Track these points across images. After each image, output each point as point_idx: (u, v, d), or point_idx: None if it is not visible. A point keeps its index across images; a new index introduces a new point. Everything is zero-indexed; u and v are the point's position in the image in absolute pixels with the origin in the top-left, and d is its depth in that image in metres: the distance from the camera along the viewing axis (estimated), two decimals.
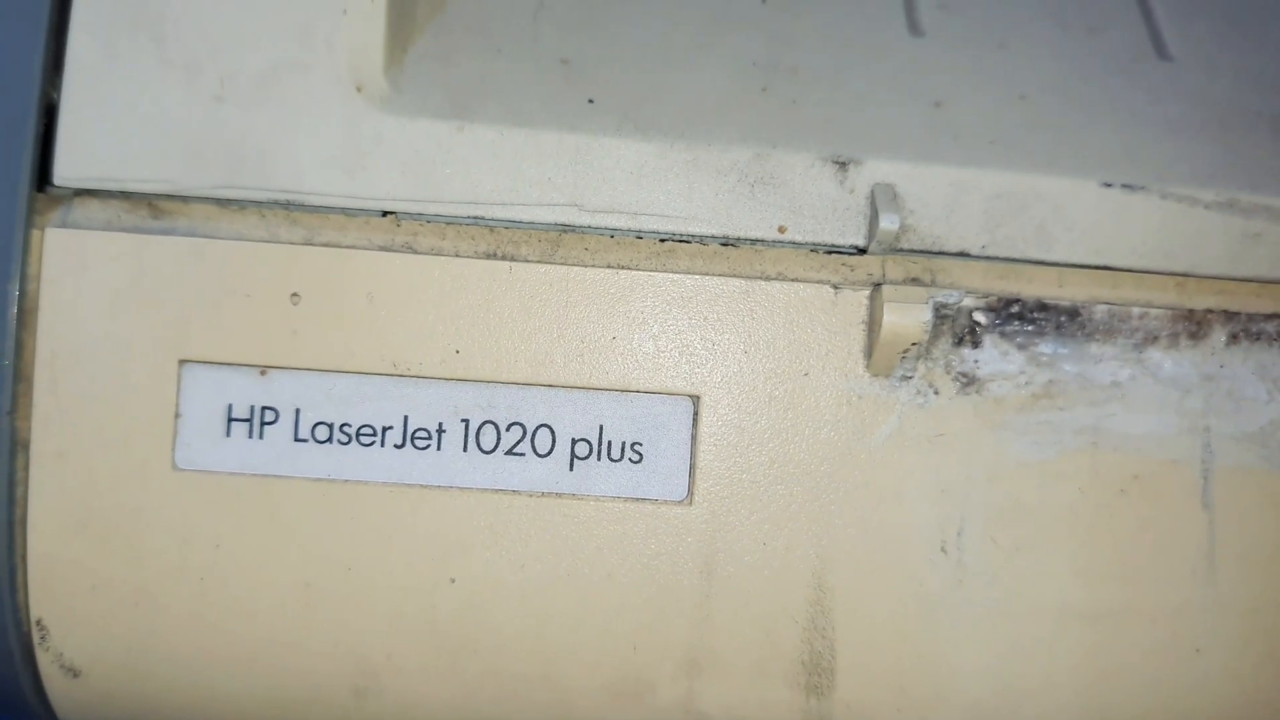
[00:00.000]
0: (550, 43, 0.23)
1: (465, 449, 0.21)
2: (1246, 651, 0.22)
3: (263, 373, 0.21)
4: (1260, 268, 0.22)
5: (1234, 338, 0.22)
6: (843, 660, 0.22)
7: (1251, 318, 0.22)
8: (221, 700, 0.22)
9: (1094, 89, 0.24)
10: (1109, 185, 0.22)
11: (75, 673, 0.22)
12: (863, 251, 0.22)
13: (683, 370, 0.22)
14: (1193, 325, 0.22)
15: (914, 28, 0.24)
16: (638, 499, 0.22)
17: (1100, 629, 0.22)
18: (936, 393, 0.22)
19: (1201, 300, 0.22)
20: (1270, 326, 0.22)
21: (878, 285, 0.21)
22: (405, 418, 0.21)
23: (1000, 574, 0.22)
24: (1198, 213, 0.22)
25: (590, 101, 0.22)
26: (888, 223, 0.21)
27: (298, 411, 0.21)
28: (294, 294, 0.21)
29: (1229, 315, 0.22)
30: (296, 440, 0.21)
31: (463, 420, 0.21)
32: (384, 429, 0.21)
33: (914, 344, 0.21)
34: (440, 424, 0.21)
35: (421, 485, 0.21)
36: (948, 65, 0.24)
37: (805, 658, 0.22)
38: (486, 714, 0.22)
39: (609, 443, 0.21)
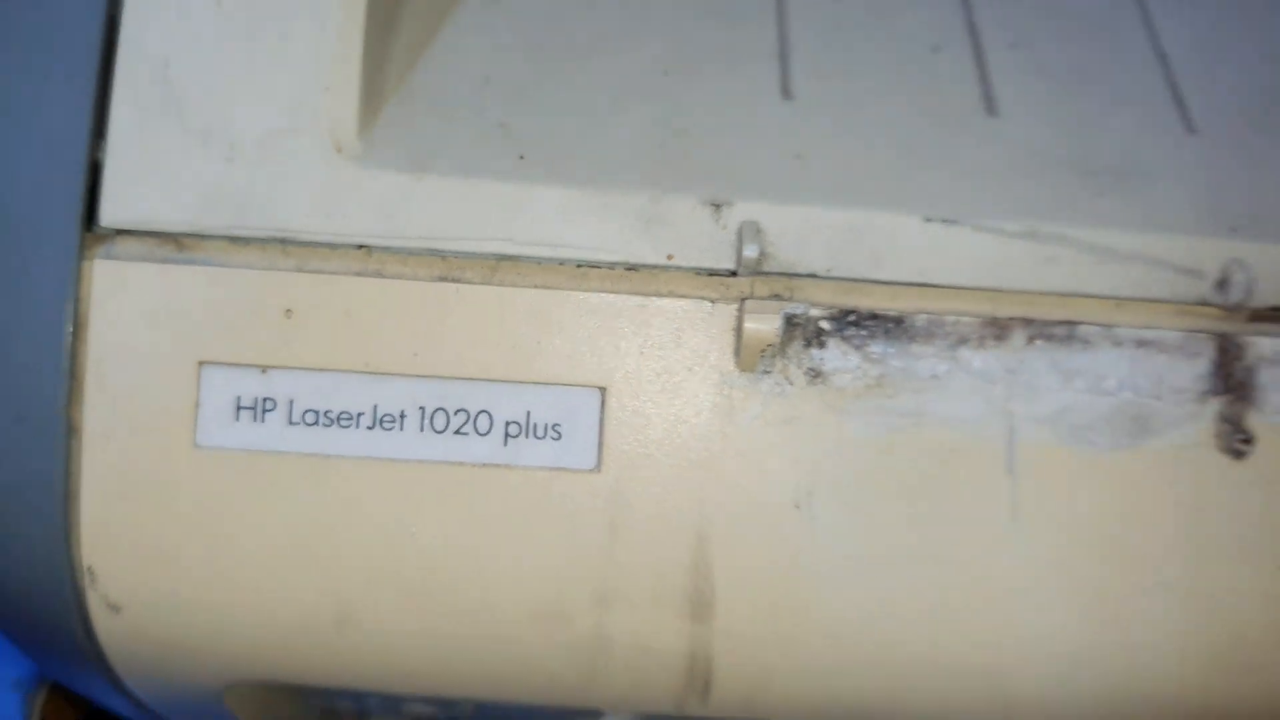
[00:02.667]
0: (493, 112, 0.29)
1: (422, 430, 0.27)
2: (1047, 588, 0.28)
3: (264, 371, 0.27)
4: (1055, 283, 0.28)
5: (1031, 339, 0.28)
6: (720, 595, 0.27)
7: (1046, 323, 0.28)
8: (229, 630, 0.28)
9: (927, 141, 0.29)
10: (930, 220, 0.28)
11: (117, 609, 0.28)
12: (734, 274, 0.28)
13: (593, 368, 0.27)
14: (997, 330, 0.28)
15: (786, 93, 0.30)
16: (557, 468, 0.27)
17: (925, 571, 0.27)
18: (791, 384, 0.27)
19: (1007, 310, 0.28)
20: (1061, 330, 0.28)
21: (743, 300, 0.27)
22: (375, 406, 0.27)
23: (844, 527, 0.27)
24: (1003, 240, 0.28)
25: (521, 157, 0.28)
26: (749, 251, 0.27)
27: (291, 401, 0.27)
28: (288, 310, 0.27)
29: (1028, 321, 0.28)
30: (290, 424, 0.27)
31: (420, 408, 0.27)
32: (358, 415, 0.27)
33: (770, 345, 0.27)
34: (402, 411, 0.27)
35: (388, 459, 0.27)
36: (811, 124, 0.29)
37: (690, 594, 0.27)
38: (440, 637, 0.28)
39: (535, 424, 0.27)
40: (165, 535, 0.27)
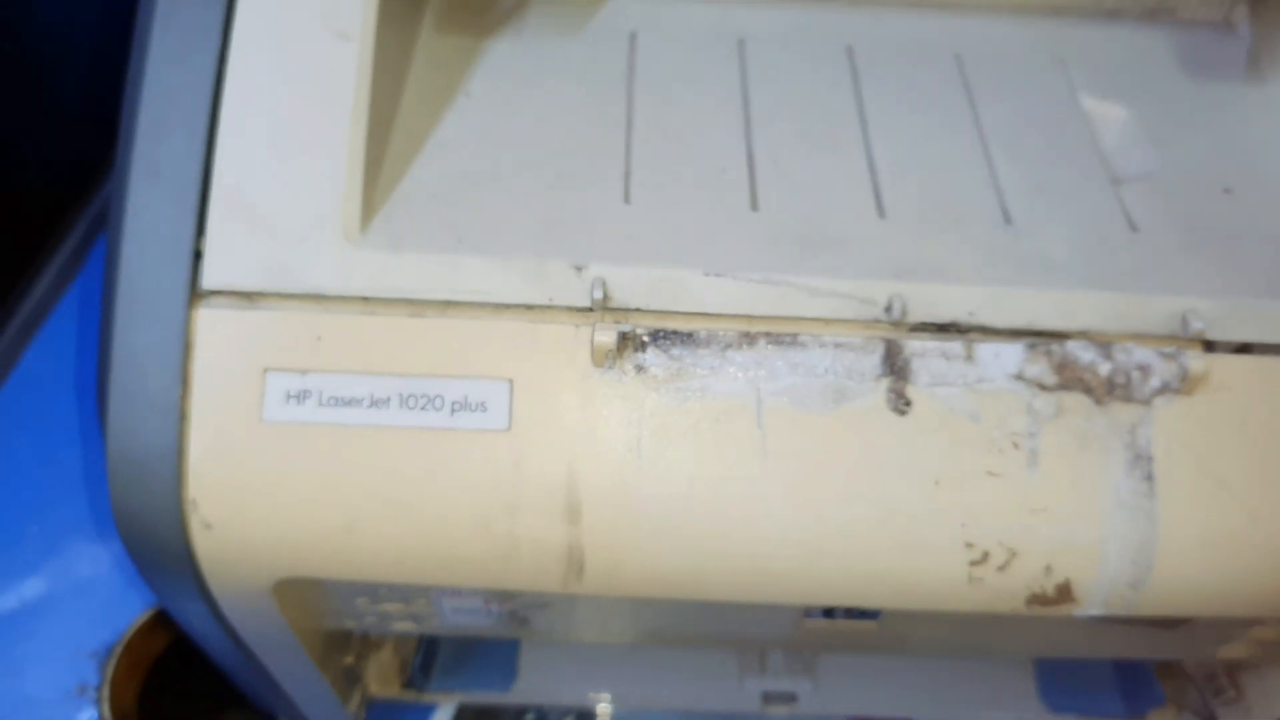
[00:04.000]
0: (441, 215, 0.46)
1: (401, 407, 0.44)
2: (784, 500, 0.45)
3: (303, 374, 0.44)
4: (785, 311, 0.46)
5: (770, 344, 0.46)
6: (585, 507, 0.44)
7: (779, 335, 0.45)
8: (279, 538, 0.44)
9: (711, 227, 0.47)
10: (708, 274, 0.46)
11: (209, 526, 0.44)
12: (590, 309, 0.45)
13: (506, 367, 0.44)
14: (749, 339, 0.45)
15: (626, 199, 0.48)
16: (484, 429, 0.44)
17: (708, 491, 0.44)
18: (625, 375, 0.45)
19: (755, 327, 0.46)
20: (788, 338, 0.45)
21: (595, 325, 0.45)
22: (372, 393, 0.44)
23: (659, 462, 0.44)
24: (752, 285, 0.46)
25: (459, 241, 0.46)
26: (598, 295, 0.44)
27: (320, 392, 0.44)
28: (318, 336, 0.44)
29: (768, 334, 0.46)
30: (320, 406, 0.44)
31: (400, 394, 0.44)
32: (362, 399, 0.44)
33: (611, 351, 0.44)
34: (389, 396, 0.44)
35: (380, 425, 0.44)
36: (640, 218, 0.47)
37: (567, 507, 0.44)
38: (411, 539, 0.44)
39: (470, 402, 0.44)
40: (241, 476, 0.43)
